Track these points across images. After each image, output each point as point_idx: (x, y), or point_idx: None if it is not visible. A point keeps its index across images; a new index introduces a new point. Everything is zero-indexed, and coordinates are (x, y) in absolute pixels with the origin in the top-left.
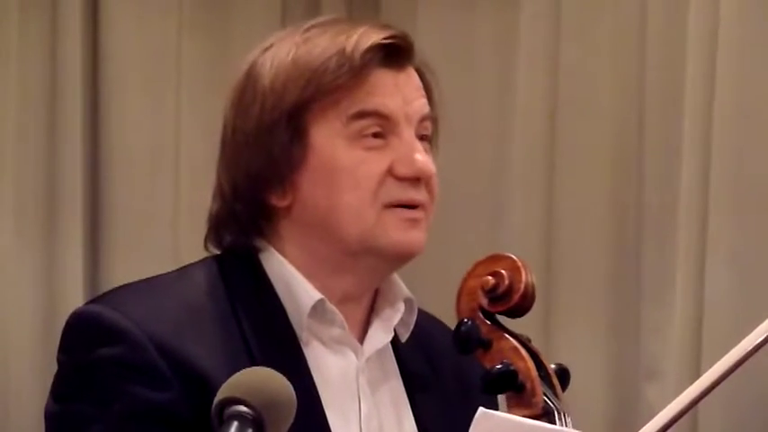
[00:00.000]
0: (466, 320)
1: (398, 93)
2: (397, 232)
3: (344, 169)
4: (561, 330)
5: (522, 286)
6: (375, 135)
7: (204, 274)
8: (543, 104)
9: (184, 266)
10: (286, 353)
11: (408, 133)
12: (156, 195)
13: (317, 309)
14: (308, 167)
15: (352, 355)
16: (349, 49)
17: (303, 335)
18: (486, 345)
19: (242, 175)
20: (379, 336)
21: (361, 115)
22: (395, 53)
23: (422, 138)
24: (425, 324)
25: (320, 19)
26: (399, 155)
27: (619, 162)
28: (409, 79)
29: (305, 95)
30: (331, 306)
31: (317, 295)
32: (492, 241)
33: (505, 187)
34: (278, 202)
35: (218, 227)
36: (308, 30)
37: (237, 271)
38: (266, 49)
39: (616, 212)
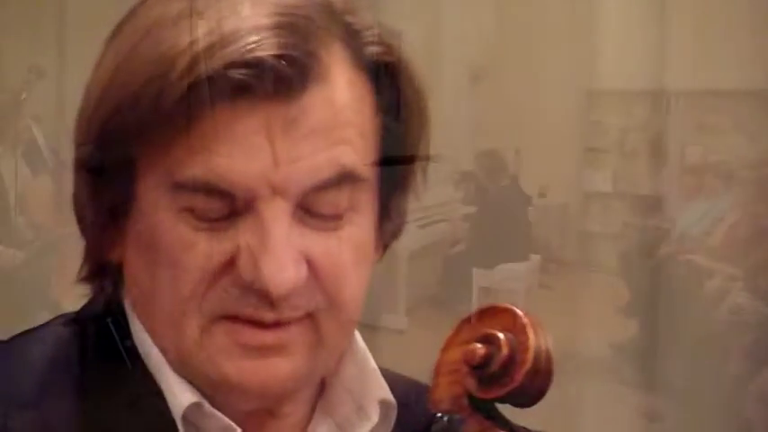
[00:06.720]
0: (440, 416)
1: (264, 146)
2: (227, 359)
3: (165, 250)
4: None
5: (531, 356)
6: (210, 218)
7: (45, 346)
8: None
9: (17, 335)
10: None
11: (272, 211)
12: None
13: (196, 415)
14: (134, 223)
15: None
16: (179, 68)
17: None
18: None
19: (76, 193)
20: None
21: (180, 186)
22: (274, 73)
23: (317, 215)
24: (410, 397)
25: None
26: (245, 243)
27: None
28: (303, 116)
29: (130, 131)
30: (212, 410)
31: (187, 398)
32: None
33: None
34: (110, 253)
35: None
36: None
37: (97, 342)
38: (131, 14)
39: None
